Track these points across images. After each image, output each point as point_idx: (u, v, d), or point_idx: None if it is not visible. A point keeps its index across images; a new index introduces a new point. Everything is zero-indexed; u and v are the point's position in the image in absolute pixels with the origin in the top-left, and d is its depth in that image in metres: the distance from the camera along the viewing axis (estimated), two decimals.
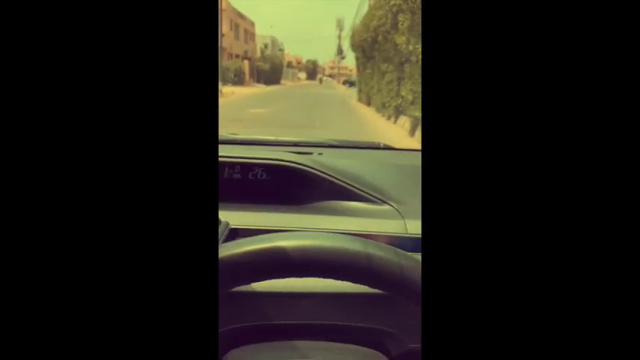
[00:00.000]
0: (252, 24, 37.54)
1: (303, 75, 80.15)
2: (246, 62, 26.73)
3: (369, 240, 0.30)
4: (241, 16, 32.84)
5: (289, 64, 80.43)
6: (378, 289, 0.30)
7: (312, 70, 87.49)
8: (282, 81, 42.28)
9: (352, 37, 13.43)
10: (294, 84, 42.55)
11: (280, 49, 57.24)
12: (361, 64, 13.26)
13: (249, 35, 36.07)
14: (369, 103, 12.37)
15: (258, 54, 37.24)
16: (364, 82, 13.08)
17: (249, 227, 0.60)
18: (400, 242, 0.58)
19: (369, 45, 10.66)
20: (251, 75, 28.35)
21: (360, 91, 14.59)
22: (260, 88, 25.07)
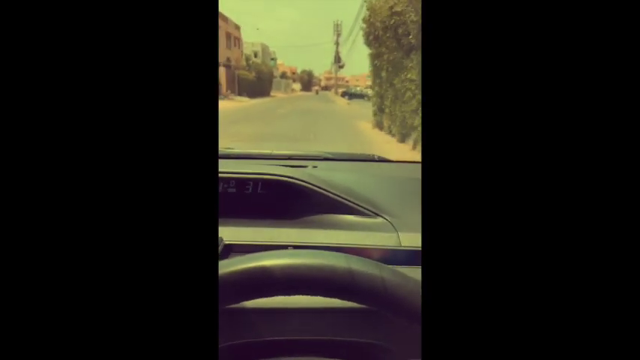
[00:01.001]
0: (237, 28, 32.00)
1: (297, 86, 74.58)
2: (222, 70, 21.02)
3: (351, 255, 0.30)
4: (223, 17, 27.26)
5: (283, 75, 75.03)
6: (363, 304, 0.30)
7: (308, 81, 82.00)
8: (273, 92, 36.83)
9: (369, 17, 7.51)
10: (286, 96, 37.06)
11: (272, 58, 51.71)
12: (385, 65, 7.20)
13: (233, 40, 30.49)
14: (403, 137, 6.48)
15: (244, 62, 31.74)
16: (393, 96, 6.99)
17: (243, 243, 0.60)
18: (394, 255, 0.59)
19: (412, 20, 4.87)
20: (230, 86, 22.64)
21: (380, 110, 8.32)
22: (239, 102, 19.33)
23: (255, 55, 42.69)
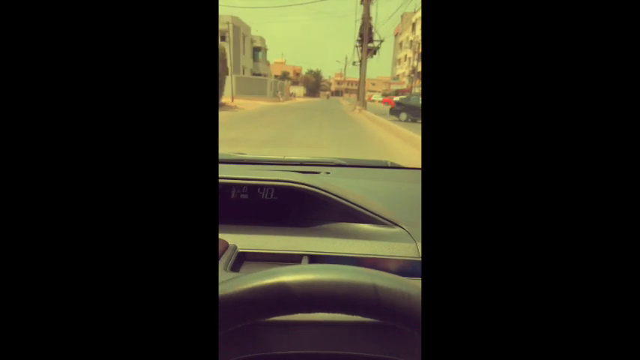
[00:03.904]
0: None
1: (300, 90, 55.77)
2: None
3: (375, 271, 0.29)
4: None
5: (284, 75, 57.21)
6: (386, 321, 0.28)
7: (314, 84, 63.19)
8: (247, 98, 18.65)
9: None
10: (270, 104, 18.88)
11: (257, 47, 33.11)
12: None
13: None
14: None
15: None
16: None
17: (257, 251, 0.57)
18: (413, 266, 0.56)
19: None
20: None
21: None
22: None
23: (223, 39, 24.31)
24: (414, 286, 0.28)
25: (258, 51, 33.26)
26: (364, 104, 16.60)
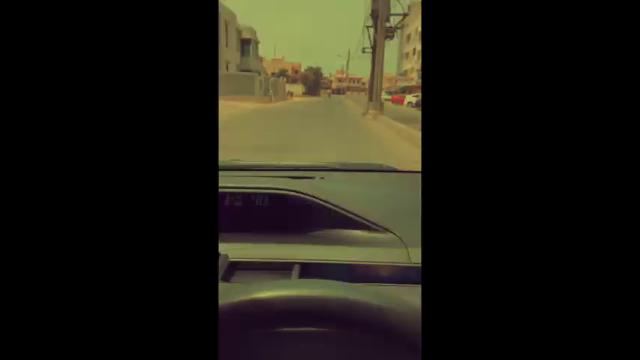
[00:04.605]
0: None
1: (299, 88, 50.93)
2: None
3: (350, 284, 0.29)
4: None
5: (282, 72, 52.58)
6: (362, 334, 0.28)
7: (314, 82, 58.43)
8: (230, 99, 13.98)
9: None
10: (257, 107, 14.27)
11: (247, 39, 28.25)
12: None
13: None
14: None
15: None
16: None
17: (248, 260, 0.57)
18: (403, 272, 0.56)
19: None
20: None
21: None
22: None
23: None
24: (389, 298, 0.28)
25: (247, 44, 28.41)
26: (381, 106, 11.70)
